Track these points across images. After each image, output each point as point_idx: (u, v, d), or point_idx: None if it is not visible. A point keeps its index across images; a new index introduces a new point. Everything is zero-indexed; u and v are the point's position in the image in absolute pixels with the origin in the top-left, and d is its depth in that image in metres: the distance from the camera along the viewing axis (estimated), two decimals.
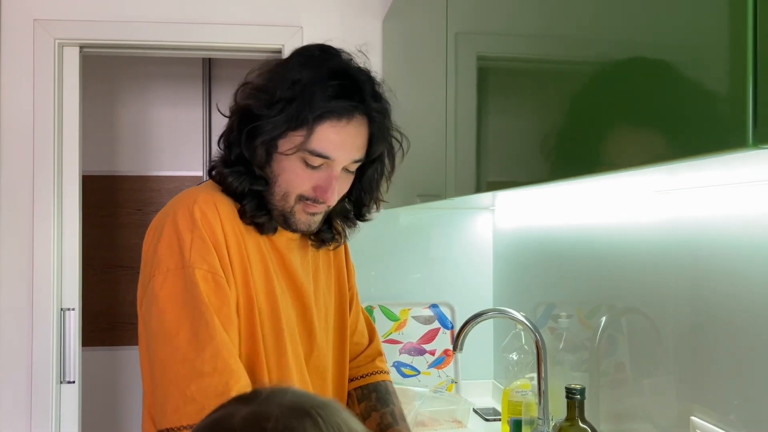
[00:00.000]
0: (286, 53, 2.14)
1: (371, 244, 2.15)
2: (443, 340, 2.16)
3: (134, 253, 3.15)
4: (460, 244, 2.27)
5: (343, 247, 1.31)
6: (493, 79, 1.34)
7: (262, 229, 1.11)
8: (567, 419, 1.27)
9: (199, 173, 3.15)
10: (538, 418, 1.65)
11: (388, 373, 1.38)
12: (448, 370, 2.14)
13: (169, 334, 0.98)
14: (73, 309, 2.08)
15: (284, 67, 1.09)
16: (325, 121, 1.04)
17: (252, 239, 1.10)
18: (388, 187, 1.21)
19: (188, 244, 1.01)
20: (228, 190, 1.09)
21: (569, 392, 1.28)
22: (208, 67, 3.18)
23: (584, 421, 1.26)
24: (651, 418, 1.34)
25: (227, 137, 1.11)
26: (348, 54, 1.11)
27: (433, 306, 2.18)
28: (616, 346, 1.49)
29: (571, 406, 1.27)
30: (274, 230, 1.13)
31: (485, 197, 1.83)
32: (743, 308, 1.06)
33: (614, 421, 1.45)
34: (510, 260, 2.17)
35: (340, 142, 1.06)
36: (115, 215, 3.14)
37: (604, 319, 1.53)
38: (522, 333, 1.85)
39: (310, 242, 1.21)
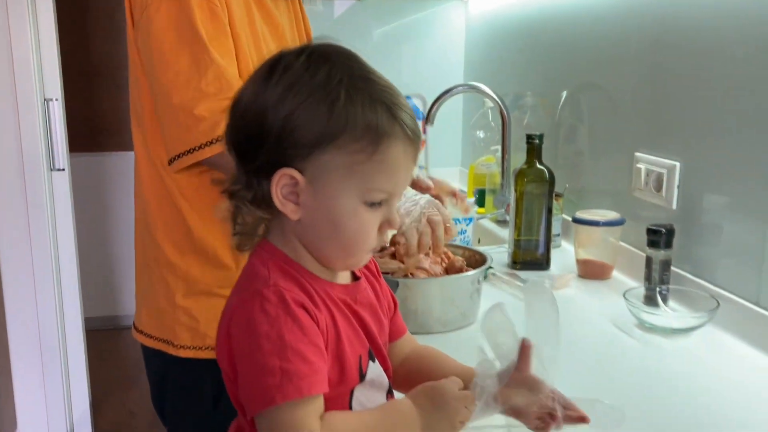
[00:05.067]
0: None
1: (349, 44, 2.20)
2: None
3: (109, 61, 3.15)
4: (432, 37, 2.33)
5: None
6: None
7: None
8: (526, 162, 1.39)
9: None
10: (501, 186, 1.81)
11: None
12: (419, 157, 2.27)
13: (169, 60, 0.99)
14: (57, 99, 2.13)
15: None
16: None
17: None
18: None
19: None
20: None
21: (529, 138, 1.39)
22: None
23: (541, 162, 1.38)
24: (603, 161, 1.49)
25: None
26: None
27: (406, 98, 2.26)
28: (576, 121, 1.61)
29: (530, 150, 1.38)
30: None
31: None
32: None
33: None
34: (482, 52, 2.23)
35: None
36: (85, 24, 3.09)
37: (564, 94, 1.64)
38: (489, 111, 1.96)
39: None
